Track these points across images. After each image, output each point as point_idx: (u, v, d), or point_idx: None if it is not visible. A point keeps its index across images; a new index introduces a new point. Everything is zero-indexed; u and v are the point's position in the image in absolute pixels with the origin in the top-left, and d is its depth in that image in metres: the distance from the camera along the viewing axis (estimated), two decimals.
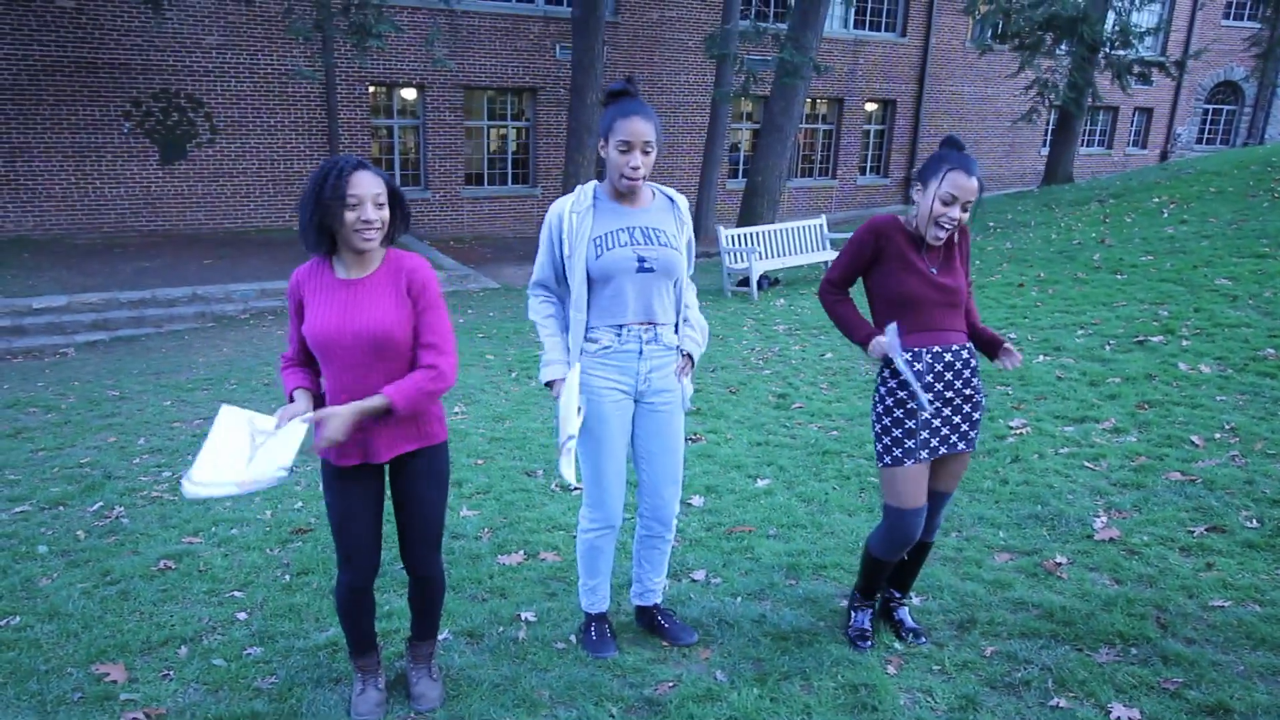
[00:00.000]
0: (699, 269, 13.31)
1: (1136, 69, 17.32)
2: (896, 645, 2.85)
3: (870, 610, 2.94)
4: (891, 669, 2.69)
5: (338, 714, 2.55)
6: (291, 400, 2.37)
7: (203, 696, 2.68)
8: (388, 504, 2.53)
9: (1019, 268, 9.05)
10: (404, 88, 15.82)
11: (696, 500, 4.21)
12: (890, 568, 2.82)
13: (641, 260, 2.60)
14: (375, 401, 2.24)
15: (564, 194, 14.43)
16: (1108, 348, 6.12)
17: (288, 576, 3.53)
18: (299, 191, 15.14)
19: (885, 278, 2.64)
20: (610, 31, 16.37)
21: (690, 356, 2.77)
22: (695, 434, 5.21)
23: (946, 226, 2.54)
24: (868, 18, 19.84)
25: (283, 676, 2.76)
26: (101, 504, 4.46)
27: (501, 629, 3.03)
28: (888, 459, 2.67)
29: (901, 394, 2.65)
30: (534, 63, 16.58)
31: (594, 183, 2.71)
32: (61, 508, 4.40)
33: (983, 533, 3.68)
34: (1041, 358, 6.09)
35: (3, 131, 13.00)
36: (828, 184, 20.37)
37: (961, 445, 2.72)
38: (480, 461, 4.89)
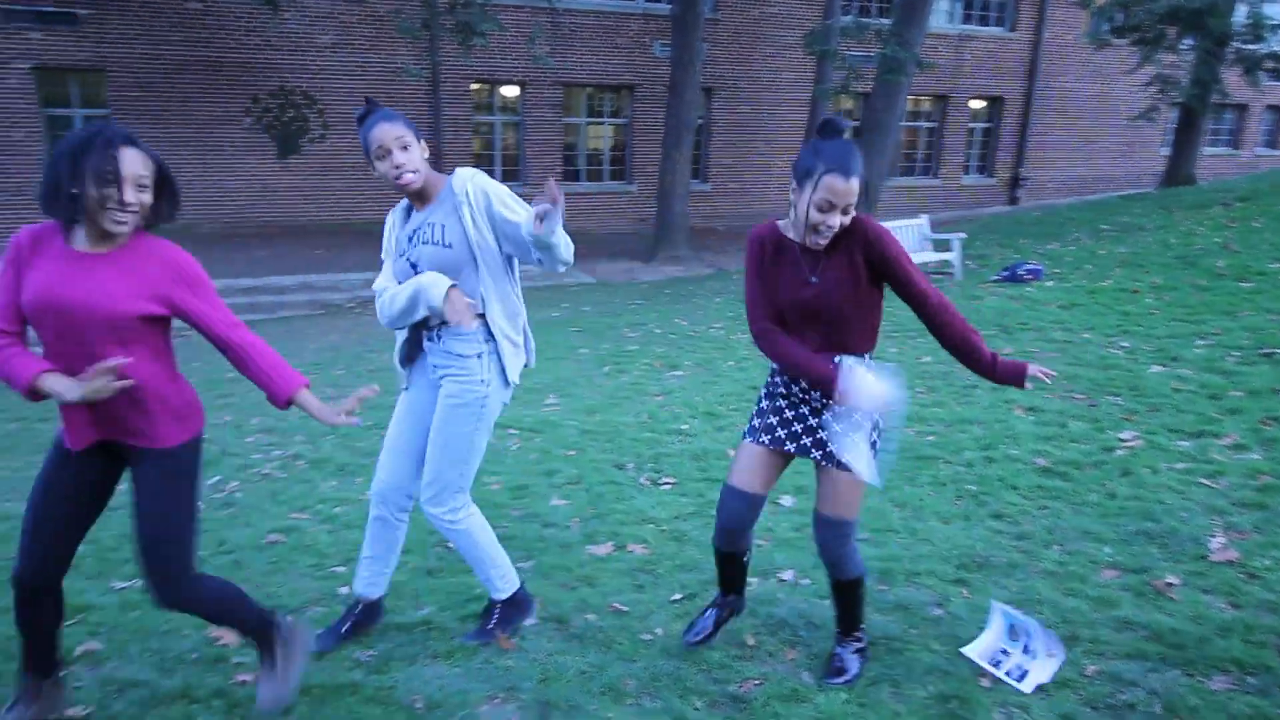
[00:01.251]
0: None
1: (1269, 64, 16.27)
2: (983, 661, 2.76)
3: (713, 608, 2.82)
4: (985, 682, 2.62)
5: (431, 689, 2.63)
6: (33, 389, 2.08)
7: (306, 664, 2.81)
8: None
9: (1133, 273, 8.63)
10: (505, 85, 16.16)
11: (786, 500, 4.18)
12: (723, 559, 2.71)
13: (413, 266, 2.68)
14: (308, 397, 2.32)
15: (660, 190, 14.42)
16: (1230, 359, 5.78)
17: None
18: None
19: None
20: (709, 28, 16.33)
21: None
22: None
23: (826, 234, 2.35)
24: (975, 11, 19.24)
25: (380, 651, 2.87)
26: (219, 478, 4.71)
27: (589, 617, 3.08)
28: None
29: (769, 378, 2.65)
30: (633, 60, 16.70)
31: None
32: None
33: (1087, 547, 3.53)
34: (1156, 368, 5.80)
35: (136, 126, 13.85)
36: (928, 183, 19.86)
37: (816, 454, 2.51)
38: (572, 453, 4.96)
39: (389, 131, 2.56)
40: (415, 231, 2.70)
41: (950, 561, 3.46)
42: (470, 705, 2.56)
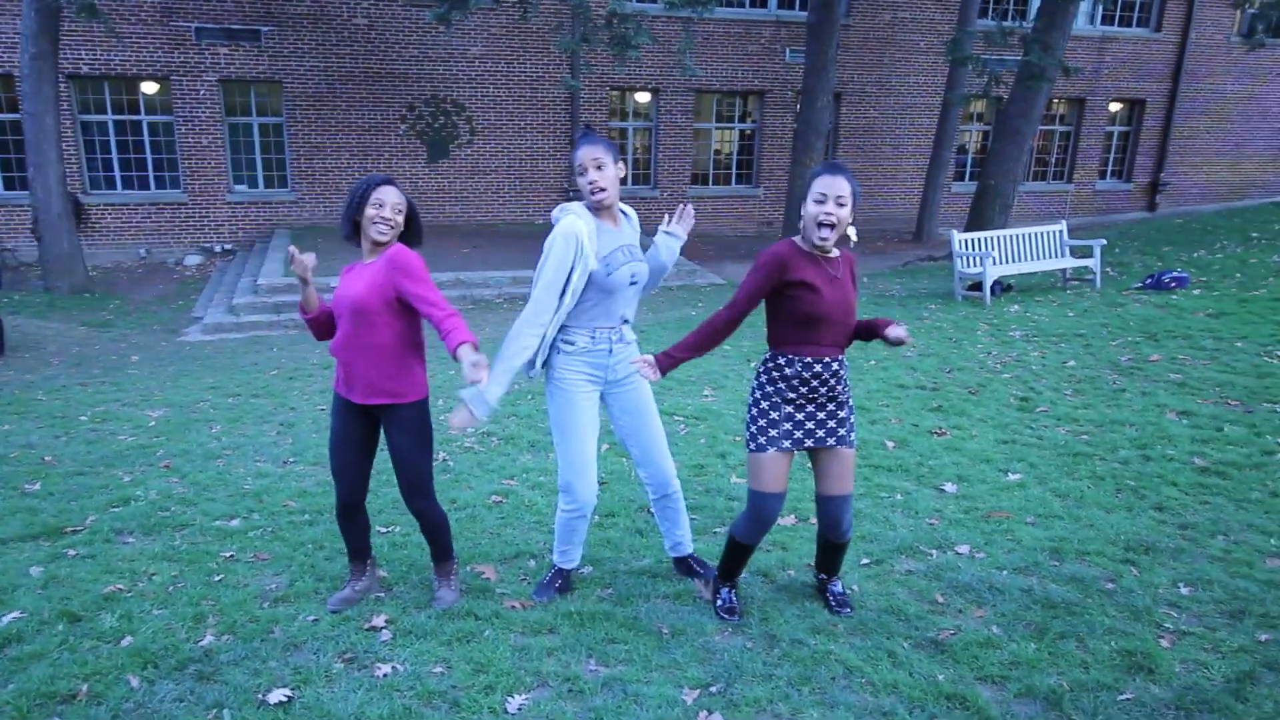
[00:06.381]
0: (926, 271, 13.26)
1: None
2: (1167, 624, 3.06)
3: (732, 589, 3.23)
4: (1165, 643, 2.93)
5: (671, 620, 3.13)
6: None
7: (560, 597, 3.35)
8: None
9: None
10: (640, 91, 16.77)
11: (949, 486, 4.52)
12: (751, 552, 3.11)
13: (634, 276, 3.10)
14: (469, 351, 2.70)
15: (789, 194, 14.61)
16: None
17: (598, 517, 4.20)
18: (541, 189, 16.49)
19: (793, 303, 2.84)
20: (841, 34, 16.52)
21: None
22: (940, 428, 5.48)
23: (826, 222, 2.80)
24: (1117, 12, 18.73)
25: (617, 589, 3.39)
26: None
27: (790, 573, 3.52)
28: (753, 445, 2.94)
29: (769, 388, 2.92)
30: (763, 66, 17.04)
31: (581, 204, 3.06)
32: None
33: (1253, 539, 3.76)
34: None
35: (304, 131, 15.09)
36: (1061, 188, 19.45)
37: (831, 441, 2.96)
38: (738, 439, 5.41)
39: (590, 153, 2.98)
40: (629, 250, 3.09)
41: (1117, 545, 3.75)
42: (707, 634, 3.04)
